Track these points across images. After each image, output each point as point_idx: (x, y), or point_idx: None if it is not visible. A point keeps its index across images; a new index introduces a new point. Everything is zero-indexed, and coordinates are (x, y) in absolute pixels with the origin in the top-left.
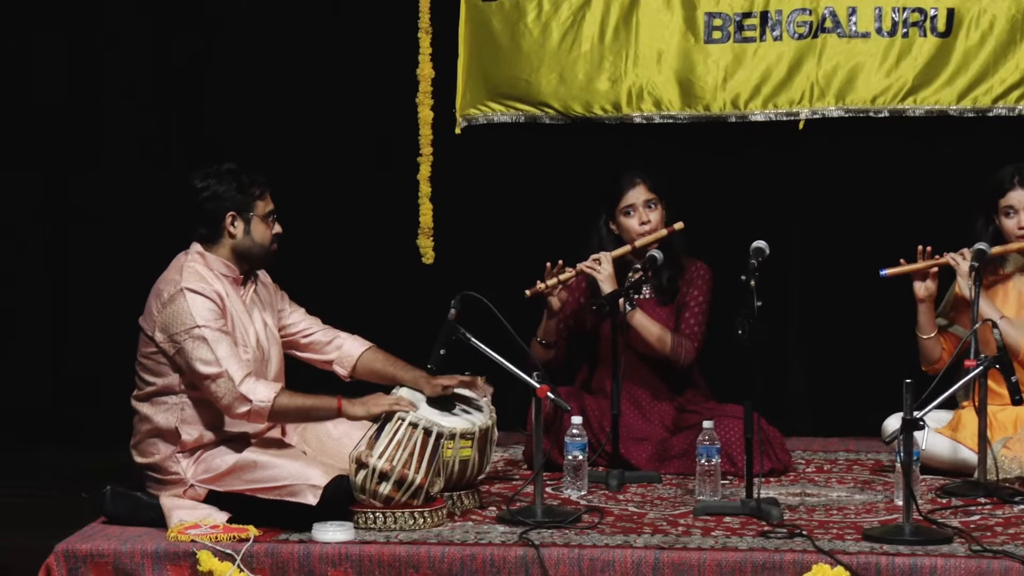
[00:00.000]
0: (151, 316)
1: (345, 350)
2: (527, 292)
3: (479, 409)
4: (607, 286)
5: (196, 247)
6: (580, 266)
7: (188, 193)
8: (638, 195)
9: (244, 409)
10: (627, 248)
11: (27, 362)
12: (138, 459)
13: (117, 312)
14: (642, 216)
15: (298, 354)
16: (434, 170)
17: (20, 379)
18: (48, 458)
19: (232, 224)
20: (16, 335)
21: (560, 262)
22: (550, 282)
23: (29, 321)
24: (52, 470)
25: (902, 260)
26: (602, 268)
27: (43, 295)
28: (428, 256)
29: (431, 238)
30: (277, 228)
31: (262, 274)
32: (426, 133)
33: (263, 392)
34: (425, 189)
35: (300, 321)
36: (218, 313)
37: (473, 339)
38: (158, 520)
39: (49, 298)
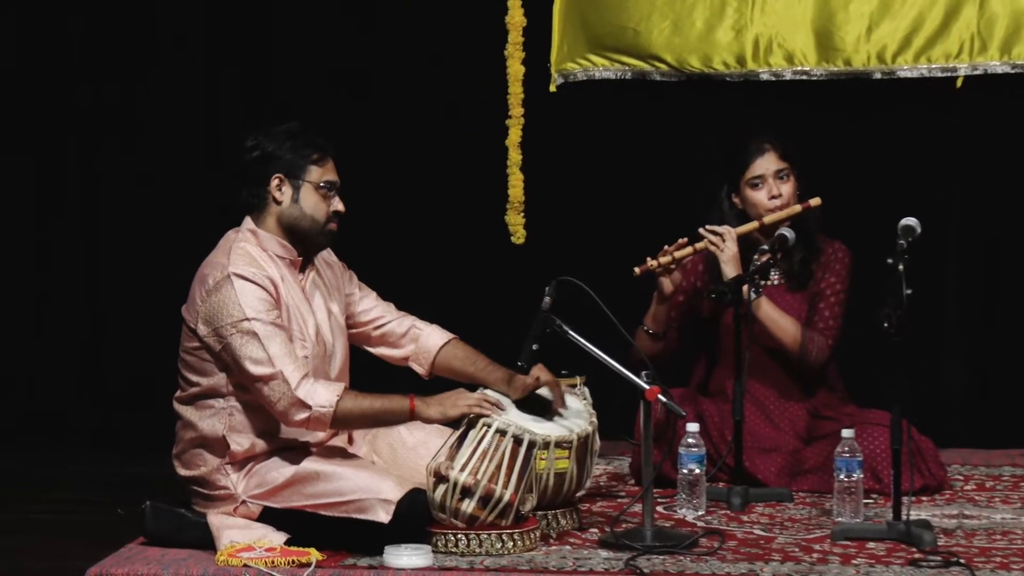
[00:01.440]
0: (194, 305)
1: (423, 343)
2: (636, 270)
3: (578, 414)
4: (730, 269)
5: (248, 223)
6: (700, 242)
7: (237, 153)
8: (767, 164)
9: (302, 416)
10: (754, 225)
11: (57, 357)
12: (181, 471)
13: (159, 299)
14: (772, 189)
15: (367, 347)
16: (525, 135)
17: (49, 377)
18: (80, 468)
19: (278, 188)
20: (44, 326)
21: (683, 240)
22: (663, 259)
23: (59, 310)
24: (85, 482)
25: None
26: (725, 246)
27: (75, 278)
28: (519, 235)
29: (522, 214)
30: (337, 204)
31: (326, 253)
32: (516, 92)
33: (324, 395)
34: (515, 157)
35: (372, 308)
36: (271, 303)
37: (571, 332)
38: (205, 541)
39: (82, 283)
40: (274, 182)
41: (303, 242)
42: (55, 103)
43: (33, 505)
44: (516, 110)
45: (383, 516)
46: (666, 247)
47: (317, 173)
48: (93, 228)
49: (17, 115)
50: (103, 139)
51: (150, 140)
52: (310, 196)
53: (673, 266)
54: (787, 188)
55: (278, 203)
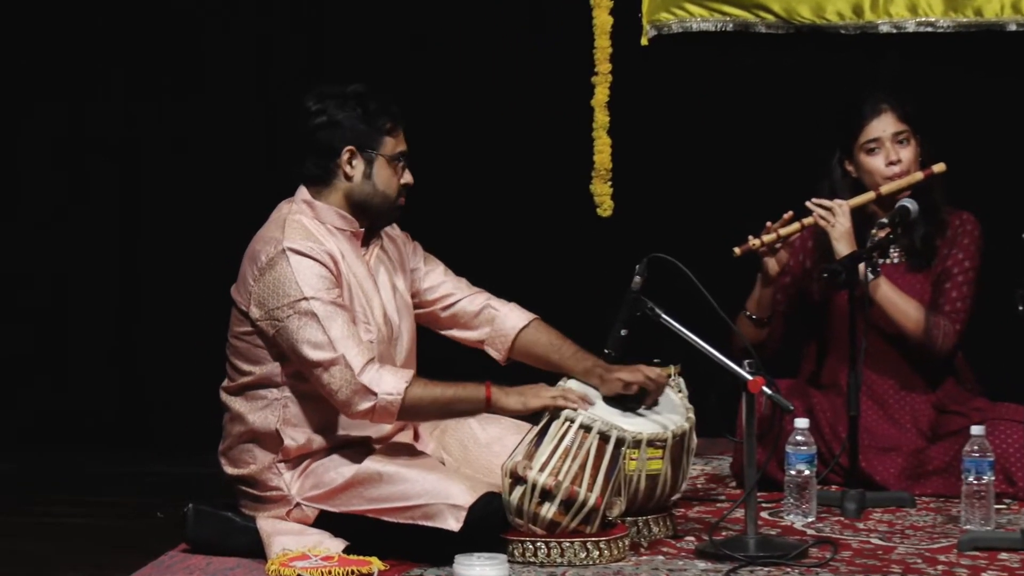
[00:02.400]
0: (245, 285)
1: (500, 325)
2: (736, 250)
3: (673, 409)
4: (843, 246)
5: (303, 193)
6: (808, 217)
7: (299, 119)
8: (885, 126)
9: (367, 405)
10: (870, 196)
11: (87, 344)
12: (229, 470)
13: (203, 278)
14: (890, 154)
15: (437, 329)
16: (613, 94)
17: (80, 366)
18: (116, 468)
19: (350, 163)
20: (70, 310)
21: (789, 215)
22: (767, 238)
23: (87, 291)
24: (120, 483)
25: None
26: (837, 221)
27: (106, 253)
28: (605, 206)
29: (609, 183)
30: (407, 177)
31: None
32: (603, 45)
33: (391, 382)
34: (602, 118)
35: (441, 284)
36: (331, 281)
37: (664, 315)
38: (254, 548)
39: (114, 259)
40: (345, 155)
41: (371, 219)
42: (91, 56)
43: (64, 508)
44: (603, 66)
45: (453, 524)
46: (770, 224)
47: (391, 145)
48: (129, 200)
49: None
50: (141, 104)
51: (194, 102)
52: (383, 171)
53: (778, 245)
54: (907, 153)
55: (348, 178)
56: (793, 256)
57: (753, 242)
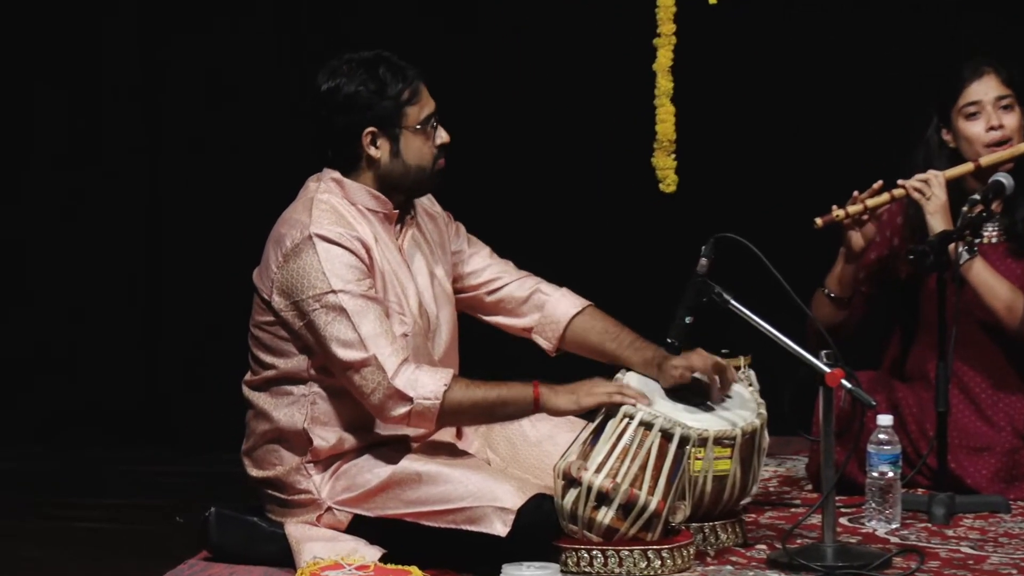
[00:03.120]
0: (268, 271)
1: (550, 312)
2: (818, 221)
3: (742, 404)
4: (937, 221)
5: (330, 172)
6: (899, 189)
7: (312, 102)
8: (987, 89)
9: (402, 410)
10: (968, 167)
11: (100, 335)
12: (253, 471)
13: (224, 259)
14: (991, 119)
15: (484, 317)
16: (677, 58)
17: (93, 359)
18: (133, 467)
19: (372, 144)
20: (85, 299)
21: (878, 184)
22: (852, 209)
23: (103, 278)
24: (136, 484)
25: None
26: (933, 193)
27: (121, 236)
28: (669, 181)
29: (673, 156)
30: (442, 136)
31: (427, 201)
32: (666, 4)
33: (428, 385)
34: (664, 85)
35: (485, 267)
36: (362, 271)
37: (732, 301)
38: (282, 556)
39: (137, 242)
40: (366, 138)
41: (408, 193)
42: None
43: (77, 512)
44: (666, 27)
45: (500, 528)
46: (857, 194)
47: (415, 113)
48: (152, 182)
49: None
50: (162, 90)
51: (216, 78)
52: (412, 141)
53: (865, 217)
54: (1011, 120)
55: (374, 161)
56: (880, 232)
57: (837, 213)
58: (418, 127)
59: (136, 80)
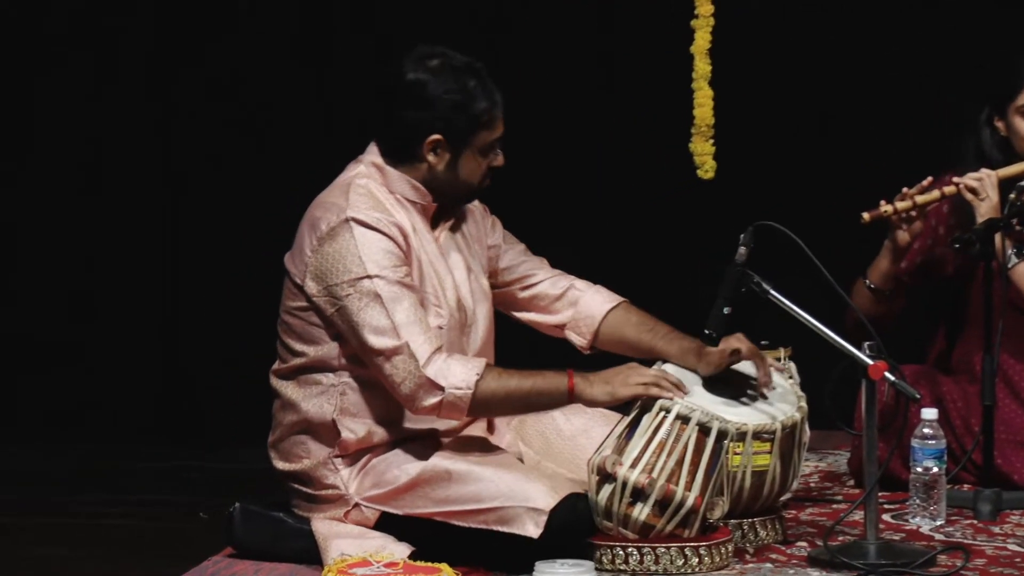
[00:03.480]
0: (302, 255)
1: (584, 308)
2: (864, 216)
3: (782, 397)
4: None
5: (373, 155)
6: (951, 186)
7: (389, 79)
8: None
9: (433, 400)
10: (1021, 167)
11: (121, 322)
12: (279, 464)
13: (253, 244)
14: None
15: (515, 313)
16: (715, 40)
17: (117, 347)
18: (154, 462)
19: (433, 151)
20: (101, 284)
21: (928, 180)
22: (901, 205)
23: (120, 262)
24: (158, 480)
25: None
26: (987, 194)
27: (143, 218)
28: (707, 167)
29: (711, 141)
30: (498, 159)
31: None
32: None
33: (460, 374)
34: (702, 67)
35: (520, 264)
36: (399, 257)
37: (772, 291)
38: (309, 553)
39: (156, 224)
40: (429, 144)
41: (445, 200)
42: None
43: (99, 508)
44: (704, 8)
45: (532, 530)
46: (906, 190)
47: (484, 137)
48: (173, 162)
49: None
50: (184, 67)
51: (243, 57)
52: (470, 163)
53: (914, 213)
54: None
55: (429, 164)
56: (926, 221)
57: (885, 208)
58: (484, 150)
59: (153, 59)
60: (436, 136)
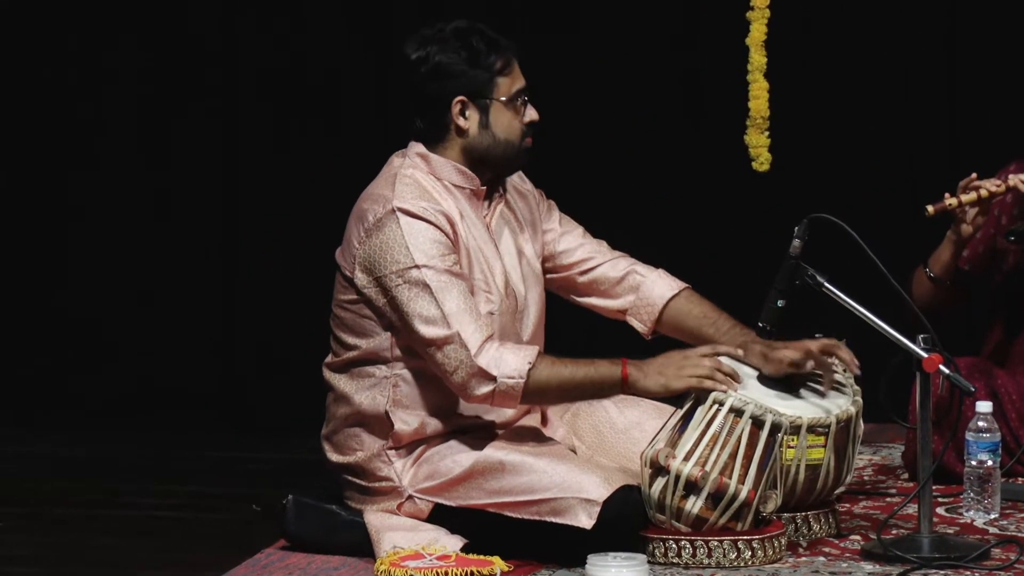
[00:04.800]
0: (350, 248)
1: (647, 293)
2: (929, 208)
3: (837, 389)
4: None
5: (416, 147)
6: (1015, 178)
7: (402, 71)
8: None
9: (485, 390)
10: None
11: (175, 315)
12: (333, 457)
13: (306, 239)
14: None
15: (575, 298)
16: (771, 32)
17: (172, 339)
18: (208, 452)
19: (462, 114)
20: (156, 277)
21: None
22: (965, 197)
23: (175, 255)
24: (211, 471)
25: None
26: None
27: (199, 213)
28: (762, 160)
29: (766, 133)
30: (531, 114)
31: (518, 178)
32: None
33: (512, 363)
34: (758, 60)
35: (578, 247)
36: (447, 246)
37: (827, 284)
38: (361, 545)
39: (215, 219)
40: (456, 107)
41: (495, 170)
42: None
43: (153, 500)
44: (760, 0)
45: (585, 521)
46: (975, 175)
47: (506, 85)
48: (229, 157)
49: None
50: (241, 58)
51: (297, 51)
52: (502, 116)
53: (978, 206)
54: None
55: (463, 133)
56: (990, 210)
57: (950, 201)
58: (510, 100)
59: (216, 53)
60: (459, 98)
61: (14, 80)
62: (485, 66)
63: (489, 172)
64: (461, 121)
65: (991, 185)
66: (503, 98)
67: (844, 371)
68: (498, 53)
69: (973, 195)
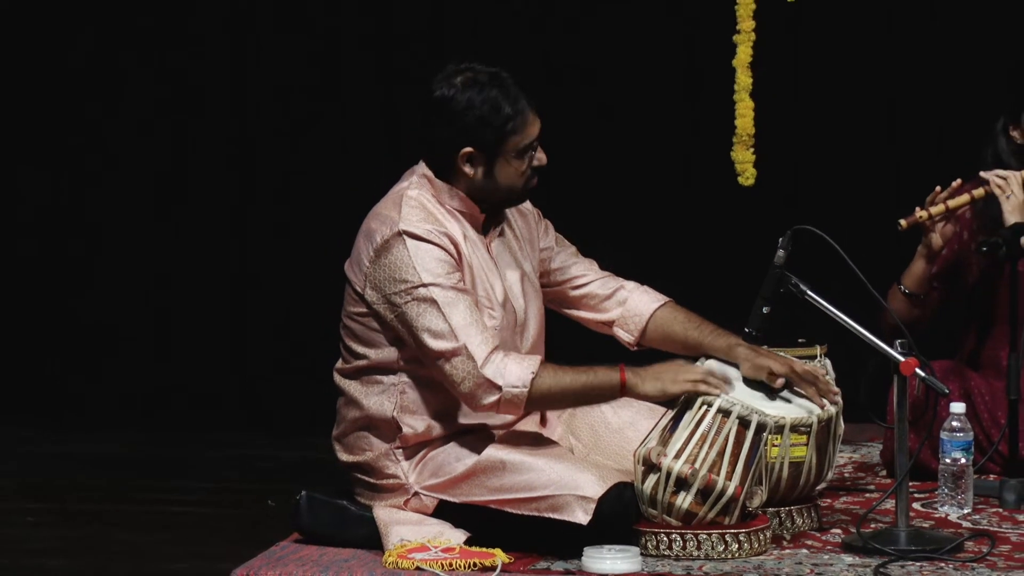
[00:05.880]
0: (360, 265)
1: (632, 307)
2: (902, 222)
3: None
4: (1016, 218)
5: (423, 167)
6: (979, 189)
7: (421, 100)
8: None
9: (491, 399)
10: None
11: (194, 319)
12: (343, 456)
13: (316, 248)
14: None
15: (567, 311)
16: (756, 54)
17: (191, 344)
18: (225, 451)
19: (467, 162)
20: (177, 282)
21: (958, 182)
22: (935, 210)
23: (195, 263)
24: (228, 468)
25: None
26: (1013, 191)
27: (215, 222)
28: (748, 175)
29: (751, 150)
30: (540, 159)
31: None
32: (746, 1)
33: (516, 373)
34: (744, 80)
35: (571, 265)
36: (452, 264)
37: (809, 291)
38: (371, 539)
39: (225, 229)
40: (462, 156)
41: (493, 205)
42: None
43: (171, 495)
44: (746, 24)
45: (581, 517)
46: (938, 189)
47: (515, 142)
48: (243, 171)
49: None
50: (255, 73)
51: (310, 70)
52: (506, 169)
53: (947, 217)
54: None
55: (467, 176)
56: (954, 229)
57: (920, 214)
58: (520, 153)
59: (226, 66)
60: (467, 149)
61: (18, 82)
62: (496, 124)
63: (489, 208)
64: (467, 169)
65: (954, 201)
66: (511, 154)
67: (826, 374)
68: (514, 111)
69: (942, 207)
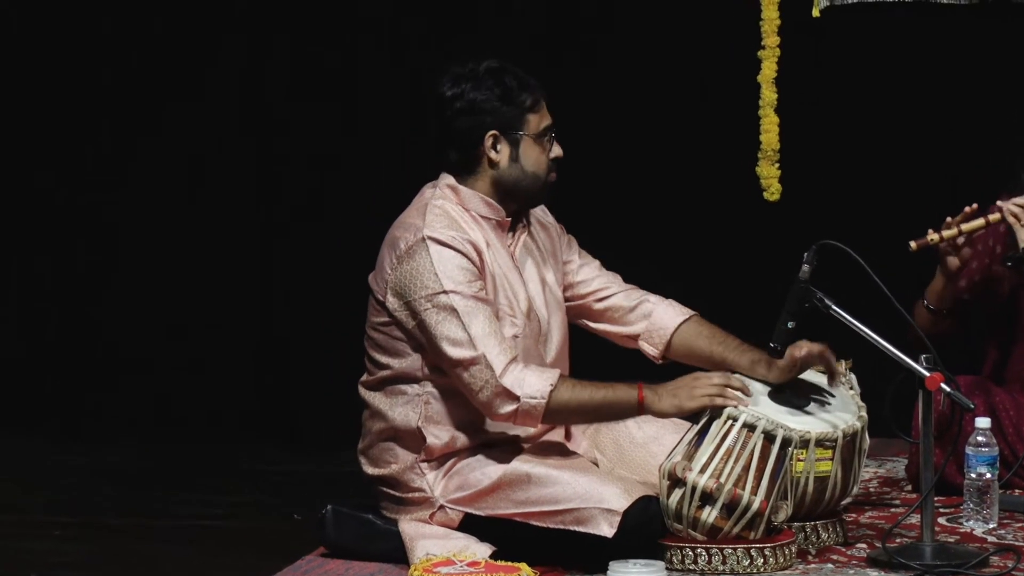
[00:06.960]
0: (383, 273)
1: (657, 320)
2: (912, 244)
3: (844, 406)
4: None
5: (446, 179)
6: (995, 214)
7: (435, 107)
8: None
9: (508, 409)
10: None
11: (220, 333)
12: (369, 469)
13: (342, 264)
14: None
15: (590, 324)
16: (781, 70)
17: (218, 358)
18: (251, 465)
19: (494, 148)
20: (202, 298)
21: (973, 207)
22: (947, 233)
23: (223, 278)
24: (254, 482)
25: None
26: None
27: (243, 238)
28: (773, 190)
29: (776, 165)
30: (556, 150)
31: (540, 212)
32: (771, 17)
33: (535, 384)
34: (769, 96)
35: (594, 278)
36: (473, 272)
37: (834, 306)
38: (396, 553)
39: (254, 245)
40: (488, 141)
41: (521, 202)
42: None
43: (196, 509)
44: (771, 39)
45: (606, 530)
46: (949, 219)
47: (535, 122)
48: (268, 186)
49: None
50: (280, 88)
51: (334, 83)
52: (531, 151)
53: (960, 240)
54: None
55: (494, 164)
56: (983, 240)
57: (932, 236)
58: (539, 136)
59: (252, 77)
60: (492, 132)
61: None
62: (517, 103)
63: (515, 204)
64: (493, 154)
65: (968, 225)
66: (533, 133)
67: (851, 388)
68: (528, 91)
69: (955, 230)
